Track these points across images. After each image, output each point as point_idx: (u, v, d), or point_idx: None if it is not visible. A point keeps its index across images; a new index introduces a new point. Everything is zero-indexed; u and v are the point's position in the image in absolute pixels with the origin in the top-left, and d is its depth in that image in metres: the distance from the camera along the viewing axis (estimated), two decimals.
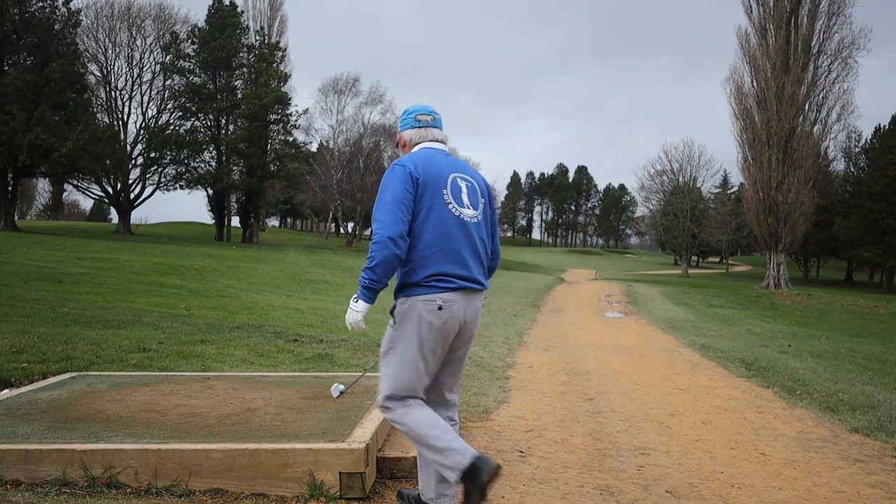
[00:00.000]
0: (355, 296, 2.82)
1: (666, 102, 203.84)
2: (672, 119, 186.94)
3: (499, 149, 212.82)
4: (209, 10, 44.67)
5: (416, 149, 2.95)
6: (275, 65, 45.10)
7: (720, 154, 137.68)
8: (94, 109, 40.22)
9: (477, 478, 2.55)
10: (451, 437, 2.67)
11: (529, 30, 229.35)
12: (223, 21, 43.87)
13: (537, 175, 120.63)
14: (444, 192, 2.79)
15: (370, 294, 2.77)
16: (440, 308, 2.70)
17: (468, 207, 2.84)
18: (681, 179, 61.72)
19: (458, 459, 2.60)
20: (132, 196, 43.96)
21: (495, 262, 3.06)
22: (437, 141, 2.98)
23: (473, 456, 2.60)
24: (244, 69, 45.36)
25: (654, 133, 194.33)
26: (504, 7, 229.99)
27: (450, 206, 2.79)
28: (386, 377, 2.78)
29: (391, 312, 2.80)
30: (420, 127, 2.99)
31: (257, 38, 46.93)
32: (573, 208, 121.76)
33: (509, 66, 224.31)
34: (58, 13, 36.51)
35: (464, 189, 2.86)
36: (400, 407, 2.74)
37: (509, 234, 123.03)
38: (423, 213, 2.74)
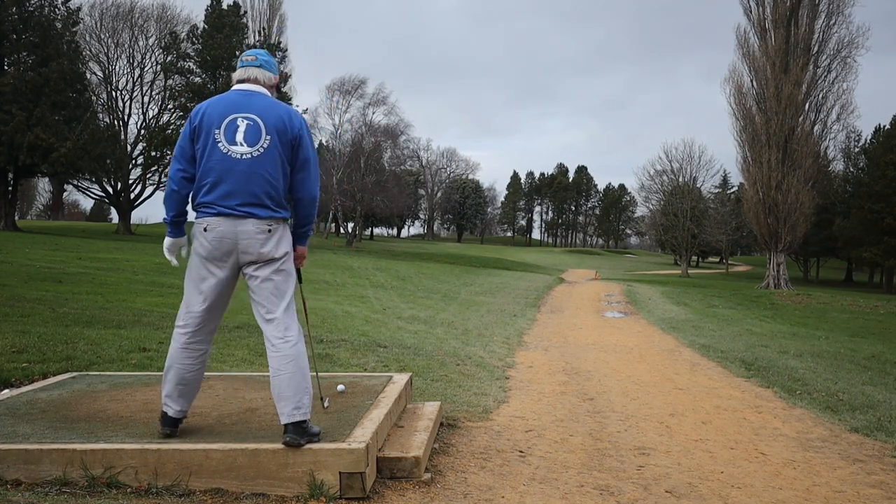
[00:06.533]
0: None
1: (694, 101, 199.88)
2: (697, 118, 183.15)
3: (513, 149, 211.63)
4: (207, 10, 44.69)
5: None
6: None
7: (725, 154, 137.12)
8: (96, 109, 40.22)
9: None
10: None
11: (570, 27, 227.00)
12: (221, 21, 43.86)
13: (537, 175, 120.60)
14: (217, 132, 3.14)
15: (168, 227, 3.36)
16: (205, 229, 3.14)
17: (241, 144, 3.12)
18: (681, 179, 61.75)
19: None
20: (132, 196, 43.95)
21: (300, 196, 3.28)
22: (247, 81, 3.28)
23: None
24: None
25: (678, 132, 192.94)
26: (549, 4, 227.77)
27: (219, 145, 3.13)
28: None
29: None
30: (240, 67, 3.33)
31: (258, 38, 46.93)
32: (573, 208, 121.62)
33: (545, 65, 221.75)
34: (57, 12, 36.50)
35: (241, 127, 3.14)
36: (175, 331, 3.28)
37: (509, 233, 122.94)
38: (199, 153, 3.17)
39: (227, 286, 3.25)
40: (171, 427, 3.25)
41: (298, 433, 3.04)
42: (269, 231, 3.14)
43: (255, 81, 3.27)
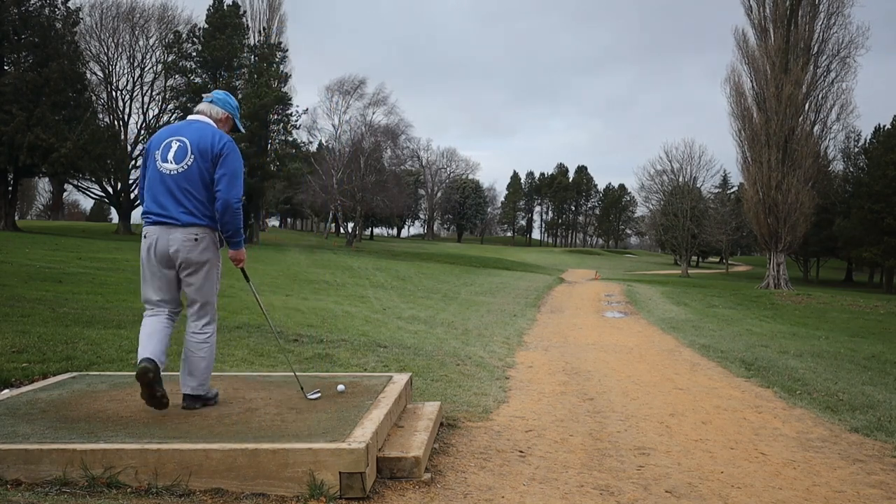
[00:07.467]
0: None
1: (696, 102, 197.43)
2: (698, 118, 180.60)
3: (513, 149, 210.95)
4: (209, 10, 44.68)
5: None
6: (275, 65, 45.10)
7: (725, 154, 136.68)
8: (96, 109, 40.20)
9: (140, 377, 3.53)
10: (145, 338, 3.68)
11: (571, 28, 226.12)
12: (223, 21, 43.84)
13: (537, 175, 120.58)
14: (156, 153, 3.77)
15: None
16: (145, 236, 3.75)
17: (170, 162, 3.72)
18: (681, 179, 61.73)
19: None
20: (132, 196, 43.92)
21: (217, 206, 3.72)
22: (197, 113, 3.91)
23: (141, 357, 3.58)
24: (244, 69, 45.34)
25: (679, 132, 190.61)
26: (549, 4, 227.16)
27: (156, 163, 3.75)
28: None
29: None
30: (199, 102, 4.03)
31: (259, 38, 46.93)
32: (573, 208, 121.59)
33: (545, 65, 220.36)
34: (57, 12, 36.47)
35: (173, 148, 3.74)
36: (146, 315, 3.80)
37: (509, 233, 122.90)
38: (147, 172, 3.82)
39: (171, 280, 3.79)
40: (149, 363, 3.54)
41: (194, 401, 3.78)
42: (196, 240, 3.71)
43: (202, 112, 3.92)
